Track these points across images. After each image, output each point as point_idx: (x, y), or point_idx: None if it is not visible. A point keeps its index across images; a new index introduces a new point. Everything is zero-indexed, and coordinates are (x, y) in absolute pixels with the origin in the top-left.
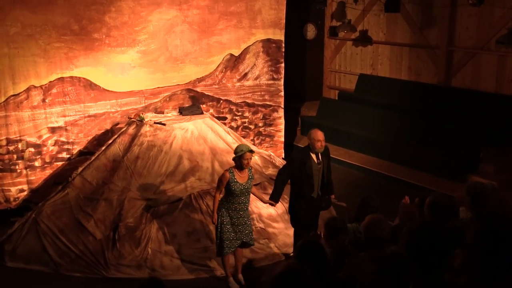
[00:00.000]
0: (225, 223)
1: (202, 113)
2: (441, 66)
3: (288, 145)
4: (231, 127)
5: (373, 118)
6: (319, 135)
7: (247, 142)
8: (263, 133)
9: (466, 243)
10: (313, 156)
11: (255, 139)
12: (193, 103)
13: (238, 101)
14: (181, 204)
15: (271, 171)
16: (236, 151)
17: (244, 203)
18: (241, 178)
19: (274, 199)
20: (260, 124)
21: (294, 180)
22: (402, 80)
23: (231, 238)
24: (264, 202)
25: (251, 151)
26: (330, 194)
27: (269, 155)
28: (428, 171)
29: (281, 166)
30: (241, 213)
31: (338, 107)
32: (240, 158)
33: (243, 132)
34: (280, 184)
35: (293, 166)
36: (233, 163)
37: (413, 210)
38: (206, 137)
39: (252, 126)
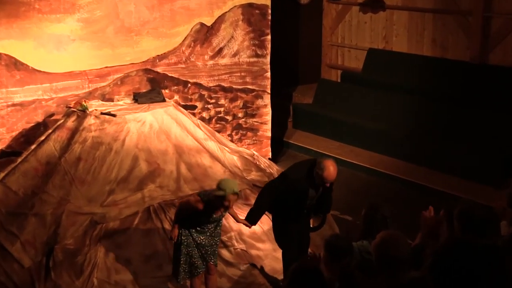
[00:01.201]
0: (185, 244)
1: (164, 100)
2: (475, 38)
3: (277, 142)
4: (202, 119)
5: (386, 106)
6: (332, 173)
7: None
8: (244, 126)
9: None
10: (312, 189)
11: (233, 133)
12: (152, 87)
13: (211, 84)
14: (137, 219)
15: (255, 176)
16: (219, 185)
17: (214, 225)
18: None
19: (251, 220)
20: (240, 115)
21: (281, 204)
22: (423, 57)
23: (192, 263)
24: (238, 221)
25: (236, 193)
26: (324, 213)
27: (252, 155)
28: (457, 173)
29: (267, 169)
30: (208, 234)
31: (340, 92)
32: (221, 199)
33: (218, 125)
34: (264, 204)
35: (284, 193)
36: (201, 164)
37: (438, 225)
38: (170, 131)
39: (229, 117)
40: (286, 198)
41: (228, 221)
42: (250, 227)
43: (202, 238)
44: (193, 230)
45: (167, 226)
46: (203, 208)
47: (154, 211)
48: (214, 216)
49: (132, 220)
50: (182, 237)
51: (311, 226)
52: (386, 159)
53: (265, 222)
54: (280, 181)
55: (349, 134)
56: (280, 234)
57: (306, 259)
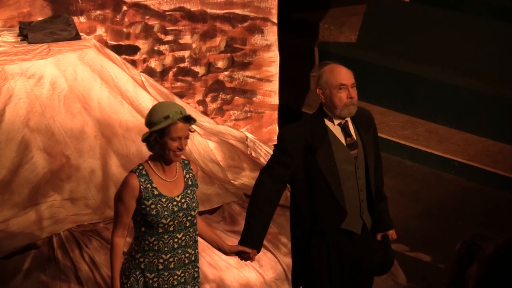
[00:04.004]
0: None
1: (77, 37)
2: None
3: (289, 114)
4: (151, 71)
5: (498, 47)
6: (340, 71)
7: (180, 101)
8: (229, 85)
9: None
10: (336, 129)
11: (208, 99)
12: (55, 13)
13: (165, 7)
14: (28, 261)
15: (249, 178)
16: (150, 119)
17: (183, 247)
18: (167, 185)
19: (249, 243)
20: (221, 64)
21: (297, 195)
22: None
23: None
24: (227, 253)
25: (188, 119)
26: (385, 229)
27: (244, 139)
28: None
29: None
30: (178, 272)
31: (411, 20)
32: (163, 134)
33: (180, 84)
34: (262, 207)
35: (289, 157)
36: (146, 155)
37: None
38: (89, 96)
39: (200, 70)
40: (294, 165)
41: (200, 264)
42: (251, 258)
43: (179, 273)
44: (153, 270)
45: (84, 274)
46: (142, 183)
47: (61, 246)
48: (169, 195)
49: (20, 261)
50: None
51: None
52: (497, 148)
53: (268, 265)
54: (280, 151)
55: (428, 100)
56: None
57: None
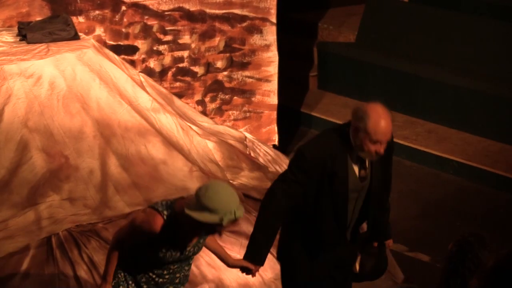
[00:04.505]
0: None
1: (76, 37)
2: None
3: (288, 114)
4: (149, 71)
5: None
6: (383, 124)
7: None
8: (228, 85)
9: None
10: (353, 159)
11: (207, 99)
12: (54, 13)
13: (164, 7)
14: (28, 261)
15: (247, 178)
16: (206, 206)
17: (176, 273)
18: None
19: (255, 260)
20: (220, 64)
21: (305, 208)
22: None
23: None
24: (231, 266)
25: (235, 219)
26: (383, 239)
27: (243, 139)
28: None
29: (270, 166)
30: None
31: (409, 20)
32: (209, 226)
33: (179, 84)
34: (273, 223)
35: (305, 176)
36: (149, 157)
37: None
38: (88, 96)
39: (199, 70)
40: (310, 198)
41: (199, 264)
42: (253, 273)
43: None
44: (144, 279)
45: (83, 273)
46: (165, 232)
47: (60, 246)
48: (187, 247)
49: (18, 261)
50: None
51: (358, 268)
52: (496, 148)
53: (267, 265)
54: (298, 169)
55: (427, 100)
56: (294, 275)
57: None
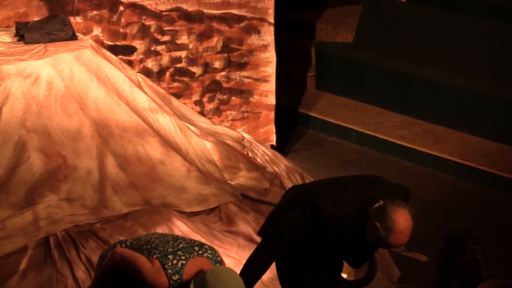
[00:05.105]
0: None
1: (74, 37)
2: None
3: (286, 115)
4: (147, 72)
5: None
6: (404, 239)
7: (177, 102)
8: (226, 85)
9: None
10: (362, 237)
11: (204, 100)
12: (51, 13)
13: (162, 7)
14: (25, 261)
15: (245, 178)
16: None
17: None
18: None
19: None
20: (218, 65)
21: (299, 250)
22: None
23: None
24: None
25: None
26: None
27: (241, 139)
28: None
29: (268, 167)
30: None
31: (408, 20)
32: None
33: (177, 84)
34: (270, 260)
35: (311, 233)
36: (147, 157)
37: None
38: (86, 96)
39: (197, 70)
40: (311, 244)
41: None
42: None
43: None
44: None
45: (81, 274)
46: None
47: (57, 246)
48: None
49: (16, 262)
50: None
51: (347, 277)
52: (494, 148)
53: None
54: (310, 222)
55: (425, 100)
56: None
57: None
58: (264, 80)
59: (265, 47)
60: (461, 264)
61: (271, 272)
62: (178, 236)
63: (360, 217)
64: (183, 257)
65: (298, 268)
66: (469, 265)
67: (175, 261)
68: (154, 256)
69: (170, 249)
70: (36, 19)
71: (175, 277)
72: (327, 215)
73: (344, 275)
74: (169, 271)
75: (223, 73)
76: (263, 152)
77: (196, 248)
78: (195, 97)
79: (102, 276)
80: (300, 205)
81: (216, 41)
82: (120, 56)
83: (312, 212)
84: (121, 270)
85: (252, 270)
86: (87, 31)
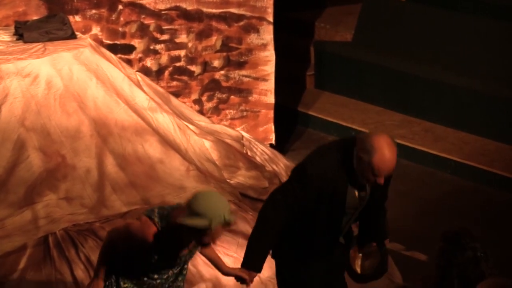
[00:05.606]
0: None
1: (73, 36)
2: None
3: (285, 114)
4: (146, 71)
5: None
6: (388, 158)
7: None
8: (225, 84)
9: None
10: (356, 186)
11: (204, 98)
12: (50, 12)
13: (161, 6)
14: (24, 260)
15: (244, 177)
16: (197, 211)
17: (175, 273)
18: (169, 258)
19: (252, 265)
20: (217, 63)
21: (300, 219)
22: None
23: None
24: (225, 274)
25: (228, 223)
26: (381, 239)
27: (240, 138)
28: None
29: (267, 165)
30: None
31: (407, 19)
32: (197, 232)
33: (176, 83)
34: (268, 234)
35: (305, 195)
36: (146, 156)
37: None
38: (85, 95)
39: (196, 69)
40: (307, 211)
41: (196, 263)
42: (249, 282)
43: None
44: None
45: (80, 273)
46: (158, 241)
47: (57, 245)
48: (179, 255)
49: (15, 261)
50: None
51: (354, 268)
52: (493, 147)
53: (265, 264)
54: (299, 184)
55: (424, 99)
56: (290, 280)
57: None
58: (263, 79)
59: (264, 46)
60: (462, 263)
61: (270, 271)
62: None
63: (346, 164)
64: (169, 208)
65: (301, 262)
66: (470, 263)
67: (161, 211)
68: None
69: (156, 207)
70: (35, 18)
71: (162, 223)
72: (313, 171)
73: (356, 267)
74: (156, 219)
75: (222, 72)
76: (262, 151)
77: (182, 202)
78: (194, 96)
79: (103, 251)
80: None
81: (215, 40)
82: (119, 55)
83: (299, 173)
84: (117, 240)
85: (252, 252)
86: (86, 30)
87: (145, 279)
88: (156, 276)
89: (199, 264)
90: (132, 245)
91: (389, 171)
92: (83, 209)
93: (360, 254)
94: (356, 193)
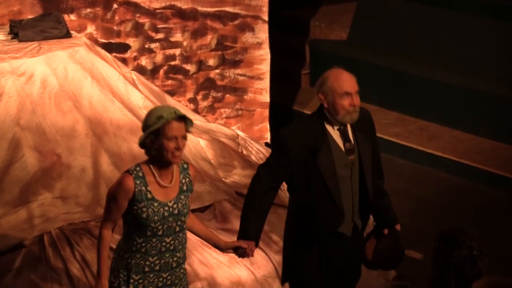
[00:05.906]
0: None
1: (68, 35)
2: None
3: (280, 112)
4: (141, 69)
5: (496, 45)
6: (345, 79)
7: (171, 100)
8: (220, 83)
9: None
10: (335, 133)
11: (198, 97)
12: (45, 10)
13: (156, 5)
14: (20, 259)
15: (240, 176)
16: (145, 122)
17: (172, 251)
18: (161, 189)
19: (247, 234)
20: (212, 62)
21: (295, 197)
22: None
23: None
24: (222, 249)
25: (183, 118)
26: (390, 224)
27: (235, 137)
28: None
29: (261, 162)
30: (164, 274)
31: (403, 17)
32: (158, 135)
33: (171, 82)
34: (258, 203)
35: (288, 159)
36: (141, 155)
37: None
38: (80, 94)
39: (191, 68)
40: (293, 165)
41: (191, 262)
42: (248, 252)
43: (165, 276)
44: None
45: (75, 271)
46: (137, 185)
47: (52, 244)
48: (162, 200)
49: (11, 259)
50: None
51: (371, 255)
52: (488, 146)
53: (259, 262)
54: (278, 149)
55: (419, 98)
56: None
57: None
58: (258, 77)
59: (259, 45)
60: (459, 262)
61: (265, 270)
62: None
63: (319, 118)
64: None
65: (305, 238)
66: (467, 262)
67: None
68: None
69: None
70: (30, 17)
71: (134, 167)
72: (287, 131)
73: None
74: (129, 170)
75: (217, 70)
76: (257, 150)
77: None
78: (189, 94)
79: (107, 207)
80: None
81: (210, 39)
82: (114, 54)
83: (277, 142)
84: (111, 194)
85: (246, 222)
86: (81, 29)
87: (152, 275)
88: (159, 226)
89: (194, 262)
90: (120, 205)
91: (352, 85)
92: (78, 208)
93: (373, 241)
94: (342, 146)
